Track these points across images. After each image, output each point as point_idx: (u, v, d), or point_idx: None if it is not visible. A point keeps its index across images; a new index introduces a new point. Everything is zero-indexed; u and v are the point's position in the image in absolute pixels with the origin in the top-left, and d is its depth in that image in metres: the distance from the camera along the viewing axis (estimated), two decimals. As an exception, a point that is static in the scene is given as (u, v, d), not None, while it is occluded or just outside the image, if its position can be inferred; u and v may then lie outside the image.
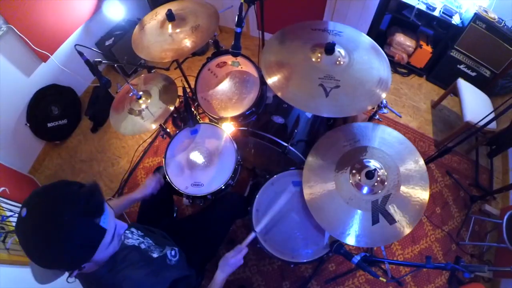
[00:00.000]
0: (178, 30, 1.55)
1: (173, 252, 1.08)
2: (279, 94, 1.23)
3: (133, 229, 1.06)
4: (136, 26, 1.67)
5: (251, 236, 1.17)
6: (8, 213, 1.52)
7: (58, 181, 0.70)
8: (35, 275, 0.73)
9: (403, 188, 1.15)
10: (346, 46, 1.33)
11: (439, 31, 2.46)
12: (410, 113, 2.63)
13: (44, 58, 2.18)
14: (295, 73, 1.28)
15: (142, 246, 1.01)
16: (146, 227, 1.15)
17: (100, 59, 1.43)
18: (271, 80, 1.27)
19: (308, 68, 1.28)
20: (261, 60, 1.36)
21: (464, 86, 2.28)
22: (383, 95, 1.21)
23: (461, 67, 2.52)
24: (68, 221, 0.64)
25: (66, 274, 0.75)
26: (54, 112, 2.39)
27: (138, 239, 1.03)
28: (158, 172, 1.41)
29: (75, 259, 0.68)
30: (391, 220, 1.10)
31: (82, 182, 0.72)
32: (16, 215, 1.54)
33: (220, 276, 1.10)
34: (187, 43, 1.51)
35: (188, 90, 2.09)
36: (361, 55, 1.31)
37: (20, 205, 1.59)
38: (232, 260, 1.10)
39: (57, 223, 0.64)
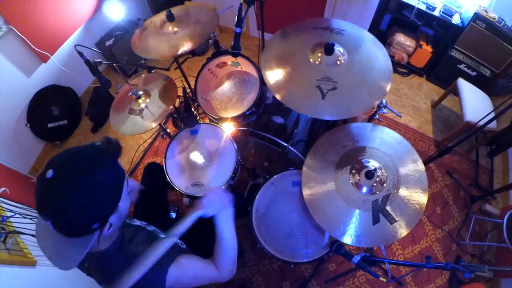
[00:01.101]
0: (176, 29, 1.55)
1: (180, 241, 1.08)
2: (277, 96, 1.23)
3: (135, 219, 1.07)
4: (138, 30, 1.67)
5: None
6: (9, 214, 1.52)
7: (73, 147, 0.72)
8: (59, 262, 0.69)
9: (402, 188, 1.15)
10: (348, 45, 1.31)
11: (439, 31, 2.46)
12: (410, 113, 2.63)
13: (44, 59, 2.18)
14: (294, 74, 1.28)
15: (148, 228, 1.02)
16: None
17: (100, 59, 1.43)
18: (271, 80, 1.27)
19: (307, 69, 1.28)
20: (261, 60, 1.36)
21: (464, 85, 2.28)
22: (379, 100, 1.21)
23: (461, 66, 2.52)
24: (95, 164, 0.67)
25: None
26: (54, 113, 2.39)
27: (141, 223, 1.04)
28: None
29: (107, 205, 0.70)
30: (391, 219, 1.10)
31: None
32: (17, 215, 1.54)
33: (219, 216, 1.02)
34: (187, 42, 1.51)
35: (188, 90, 2.09)
36: (362, 54, 1.29)
37: (20, 205, 1.60)
38: (215, 196, 1.04)
39: (86, 168, 0.66)
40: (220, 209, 1.03)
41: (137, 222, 1.03)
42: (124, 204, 0.75)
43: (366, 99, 1.20)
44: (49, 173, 0.63)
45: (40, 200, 0.64)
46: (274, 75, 1.28)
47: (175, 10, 1.63)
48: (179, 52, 1.46)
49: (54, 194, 0.63)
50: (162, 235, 1.00)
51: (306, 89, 1.23)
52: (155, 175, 1.51)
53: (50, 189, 0.64)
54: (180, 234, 0.95)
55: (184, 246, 1.11)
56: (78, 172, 0.65)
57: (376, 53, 1.30)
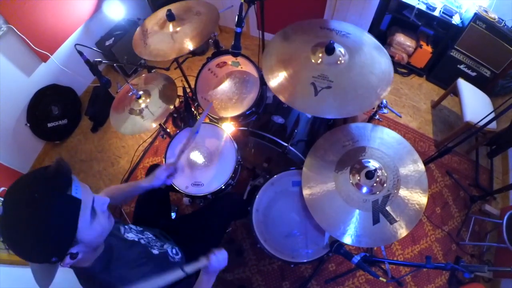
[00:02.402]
0: (178, 29, 1.55)
1: (174, 250, 1.07)
2: (269, 83, 1.23)
3: (131, 226, 1.06)
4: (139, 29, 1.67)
5: None
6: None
7: (22, 175, 0.70)
8: (36, 279, 0.72)
9: (402, 188, 1.15)
10: (350, 48, 1.31)
11: (439, 31, 2.46)
12: (410, 113, 2.63)
13: (44, 58, 2.18)
14: (291, 68, 1.28)
15: (142, 241, 1.00)
16: (144, 227, 1.15)
17: (100, 59, 1.43)
18: (269, 74, 1.28)
19: (305, 64, 1.28)
20: (264, 54, 1.36)
21: (464, 86, 2.28)
22: (372, 105, 1.20)
23: (461, 67, 2.52)
24: (40, 201, 0.64)
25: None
26: (54, 112, 2.39)
27: (137, 234, 1.02)
28: (171, 165, 1.25)
29: (59, 241, 0.66)
30: (391, 219, 1.10)
31: (46, 166, 0.70)
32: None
33: (209, 276, 1.01)
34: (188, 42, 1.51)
35: (188, 90, 2.09)
36: (363, 59, 1.28)
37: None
38: (222, 265, 1.02)
39: (31, 206, 0.63)
40: (217, 271, 1.03)
41: (131, 235, 0.99)
42: (90, 232, 0.71)
43: (359, 102, 1.19)
44: (0, 210, 0.64)
45: (1, 234, 0.65)
46: (273, 66, 1.29)
47: (174, 7, 1.63)
48: (182, 53, 1.47)
49: (4, 233, 0.64)
50: (155, 251, 0.98)
51: (300, 84, 1.23)
52: None
53: (3, 226, 0.64)
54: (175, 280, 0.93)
55: (179, 256, 1.08)
56: (23, 214, 0.63)
57: (378, 60, 1.29)
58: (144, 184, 1.16)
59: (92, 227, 0.71)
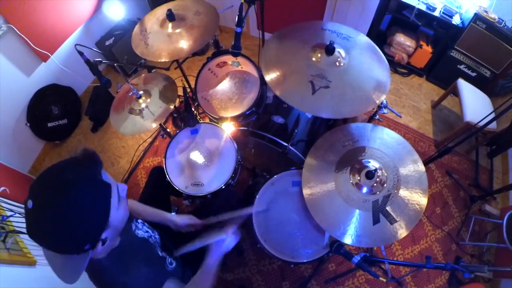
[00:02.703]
0: (178, 30, 1.55)
1: (169, 260, 1.07)
2: (266, 78, 1.24)
3: (140, 221, 1.06)
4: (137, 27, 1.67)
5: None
6: (9, 213, 1.52)
7: (51, 165, 0.69)
8: (60, 275, 0.71)
9: (402, 188, 1.15)
10: (350, 51, 1.31)
11: (439, 31, 2.46)
12: (410, 113, 2.63)
13: (44, 58, 2.18)
14: (291, 65, 1.28)
15: (151, 240, 1.01)
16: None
17: (100, 59, 1.43)
18: (267, 68, 1.28)
19: (304, 63, 1.28)
20: (264, 48, 1.36)
21: (464, 86, 2.28)
22: (368, 108, 1.21)
23: (461, 67, 2.52)
24: (73, 187, 0.63)
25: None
26: (54, 112, 2.39)
27: (147, 231, 1.03)
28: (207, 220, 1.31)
29: (95, 225, 0.67)
30: (391, 219, 1.10)
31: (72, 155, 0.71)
32: (17, 214, 1.54)
33: (213, 261, 1.02)
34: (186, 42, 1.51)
35: (188, 90, 2.09)
36: (362, 62, 1.29)
37: (20, 204, 1.59)
38: (225, 248, 1.05)
39: (65, 193, 0.62)
40: (225, 251, 1.06)
41: (141, 233, 1.00)
42: (117, 216, 0.72)
43: (355, 104, 1.20)
44: (29, 203, 0.62)
45: (28, 228, 0.64)
46: (272, 60, 1.30)
47: (173, 5, 1.63)
48: (183, 54, 1.47)
49: (37, 224, 0.63)
50: (160, 253, 0.99)
51: (299, 81, 1.23)
52: (158, 178, 1.49)
53: (32, 219, 0.63)
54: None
55: (174, 265, 1.08)
56: (57, 200, 0.62)
57: (377, 66, 1.30)
58: (169, 218, 1.22)
59: (118, 211, 0.73)
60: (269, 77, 1.27)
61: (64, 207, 0.62)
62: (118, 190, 0.75)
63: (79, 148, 0.70)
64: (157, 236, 1.06)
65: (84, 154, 0.68)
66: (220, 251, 1.04)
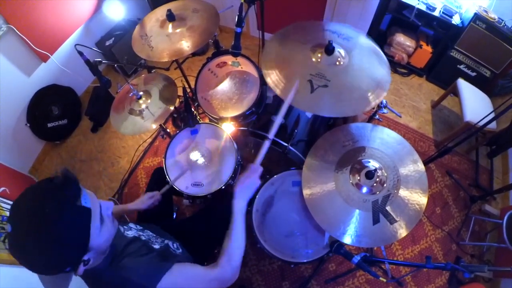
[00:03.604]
0: (178, 30, 1.56)
1: (175, 245, 1.07)
2: (265, 75, 1.25)
3: (131, 225, 1.06)
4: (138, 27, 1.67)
5: (266, 145, 1.06)
6: (8, 213, 1.52)
7: (27, 188, 0.68)
8: None
9: (402, 188, 1.15)
10: (350, 51, 1.30)
11: (439, 31, 2.46)
12: (410, 113, 2.63)
13: (44, 58, 2.18)
14: (290, 63, 1.29)
15: (142, 238, 1.01)
16: (145, 225, 1.16)
17: (100, 59, 1.43)
18: (267, 68, 1.28)
19: (304, 62, 1.28)
20: (265, 48, 1.36)
21: (464, 86, 2.28)
22: (365, 109, 1.20)
23: (461, 67, 2.52)
24: (51, 214, 0.63)
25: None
26: (54, 112, 2.39)
27: (137, 232, 1.03)
28: (158, 191, 1.40)
29: (74, 251, 0.67)
30: (391, 219, 1.09)
31: (51, 176, 0.69)
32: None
33: (239, 203, 0.95)
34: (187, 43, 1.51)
35: (188, 90, 2.09)
36: (362, 63, 1.28)
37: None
38: (248, 180, 0.96)
39: (42, 220, 0.63)
40: (250, 194, 0.98)
41: (132, 233, 1.00)
42: (99, 239, 0.72)
43: (353, 104, 1.19)
44: (8, 227, 0.63)
45: (9, 249, 0.65)
46: (272, 59, 1.30)
47: (173, 5, 1.63)
48: (184, 54, 1.47)
49: (16, 248, 0.64)
50: (156, 246, 0.99)
51: (298, 79, 1.22)
52: (161, 180, 1.49)
53: (11, 242, 0.64)
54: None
55: (180, 251, 1.09)
56: (33, 228, 0.62)
57: (376, 66, 1.29)
58: (131, 207, 1.32)
59: (101, 233, 0.72)
60: (269, 77, 1.27)
61: (41, 235, 0.62)
62: (101, 211, 0.73)
63: (60, 169, 0.69)
64: (149, 233, 1.06)
65: (64, 178, 0.67)
66: (245, 192, 0.97)
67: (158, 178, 1.51)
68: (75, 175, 0.69)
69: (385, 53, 1.32)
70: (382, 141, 1.28)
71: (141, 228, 1.08)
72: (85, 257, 0.70)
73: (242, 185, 0.97)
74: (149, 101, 1.52)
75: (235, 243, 0.92)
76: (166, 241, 1.06)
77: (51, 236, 0.63)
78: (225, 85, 1.66)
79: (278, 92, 1.23)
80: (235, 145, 1.45)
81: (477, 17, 2.20)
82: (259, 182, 1.00)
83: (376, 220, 1.10)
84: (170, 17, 1.55)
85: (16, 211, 0.66)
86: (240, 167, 1.48)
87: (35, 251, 0.63)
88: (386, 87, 1.21)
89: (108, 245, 0.80)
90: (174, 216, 1.97)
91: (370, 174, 1.14)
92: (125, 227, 1.02)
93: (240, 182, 0.97)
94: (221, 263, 0.90)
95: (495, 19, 2.20)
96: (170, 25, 1.57)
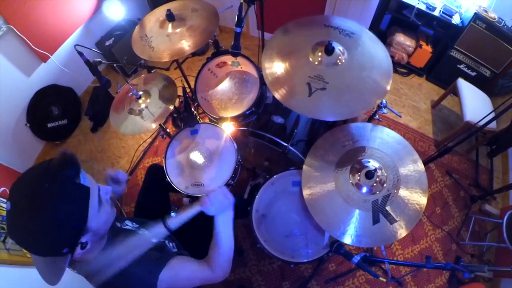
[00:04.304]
0: (178, 30, 1.56)
1: (171, 244, 1.08)
2: (265, 76, 1.25)
3: (127, 222, 1.07)
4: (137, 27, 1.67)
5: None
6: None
7: (29, 168, 0.70)
8: (43, 276, 0.72)
9: (402, 188, 1.15)
10: (351, 49, 1.29)
11: (439, 31, 2.46)
12: (410, 113, 2.63)
13: (44, 58, 2.18)
14: (289, 66, 1.28)
15: (140, 231, 1.01)
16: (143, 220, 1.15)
17: (100, 59, 1.43)
18: (266, 69, 1.29)
19: (303, 65, 1.27)
20: (265, 49, 1.36)
21: (464, 86, 2.28)
22: (364, 110, 1.20)
23: (461, 67, 2.52)
24: (50, 191, 0.64)
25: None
26: (54, 112, 2.39)
27: (133, 227, 1.04)
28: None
29: (72, 230, 0.67)
30: (391, 219, 1.09)
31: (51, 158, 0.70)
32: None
33: (217, 219, 1.05)
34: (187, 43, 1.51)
35: (188, 90, 2.09)
36: (363, 60, 1.27)
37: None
38: (215, 199, 1.04)
39: (41, 197, 0.63)
40: (222, 210, 1.06)
41: (128, 226, 1.01)
42: (97, 220, 0.72)
43: (351, 105, 1.19)
44: (8, 205, 0.64)
45: (7, 229, 0.66)
46: (271, 60, 1.30)
47: (172, 5, 1.63)
48: (184, 54, 1.48)
49: (14, 226, 0.65)
50: (154, 240, 0.99)
51: (296, 83, 1.23)
52: (156, 177, 1.49)
53: (10, 220, 0.65)
54: (176, 225, 1.00)
55: (175, 250, 1.09)
56: (32, 206, 0.63)
57: (378, 62, 1.27)
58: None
59: (100, 214, 0.73)
60: (269, 78, 1.27)
61: (39, 213, 0.63)
62: (99, 192, 0.74)
63: (59, 151, 0.69)
64: (145, 232, 1.06)
65: (62, 157, 0.68)
66: (212, 210, 1.04)
67: (152, 175, 1.52)
68: (74, 155, 0.69)
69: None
70: (382, 141, 1.28)
71: (137, 226, 1.08)
72: (83, 240, 0.70)
73: (212, 206, 1.04)
74: (148, 101, 1.52)
75: (221, 249, 1.02)
76: (162, 240, 1.06)
77: (51, 214, 0.63)
78: (225, 85, 1.66)
79: (276, 95, 1.22)
80: (235, 145, 1.45)
81: (477, 16, 2.20)
82: (229, 195, 1.08)
83: (376, 220, 1.10)
84: (170, 17, 1.55)
85: (17, 189, 0.67)
86: (240, 167, 1.48)
87: (34, 230, 0.63)
88: (386, 87, 1.21)
89: (107, 229, 0.80)
90: (174, 216, 1.97)
91: (370, 174, 1.14)
92: (122, 223, 1.03)
93: (211, 203, 1.04)
94: (213, 269, 0.98)
95: (495, 19, 2.20)
96: (169, 25, 1.57)
